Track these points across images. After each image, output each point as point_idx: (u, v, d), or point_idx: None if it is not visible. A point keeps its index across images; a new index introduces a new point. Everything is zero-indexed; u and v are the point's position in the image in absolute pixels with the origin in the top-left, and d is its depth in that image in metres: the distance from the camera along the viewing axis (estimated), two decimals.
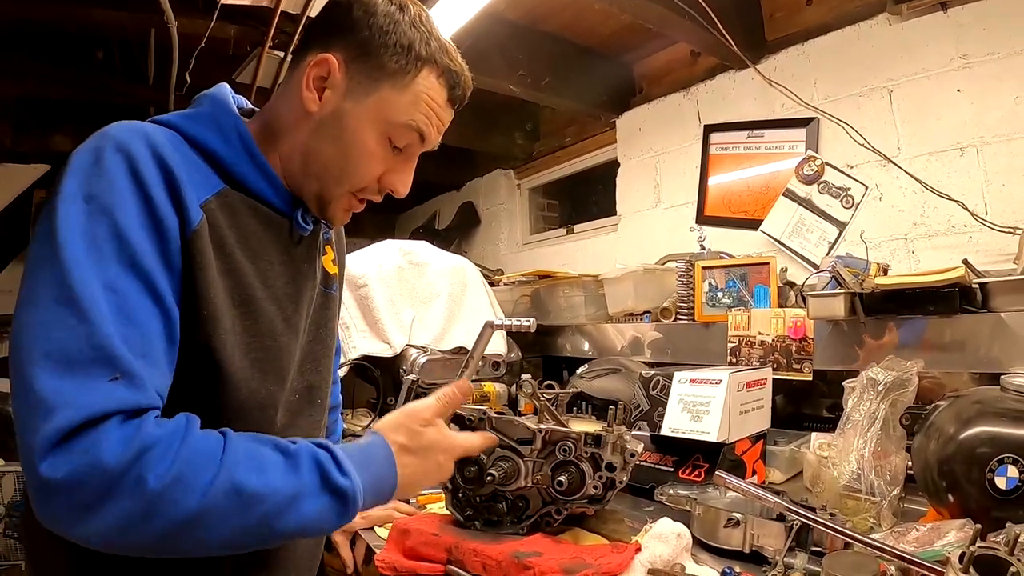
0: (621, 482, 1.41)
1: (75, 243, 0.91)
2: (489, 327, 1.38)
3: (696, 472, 1.93)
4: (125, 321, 0.91)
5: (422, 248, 3.13)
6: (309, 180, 1.22)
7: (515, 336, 3.27)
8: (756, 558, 1.47)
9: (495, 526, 1.48)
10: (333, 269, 1.44)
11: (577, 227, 4.55)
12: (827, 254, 2.77)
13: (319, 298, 1.36)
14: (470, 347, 1.40)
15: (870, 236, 2.62)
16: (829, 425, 2.15)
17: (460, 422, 1.51)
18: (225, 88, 1.24)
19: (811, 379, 2.25)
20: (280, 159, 1.22)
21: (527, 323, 1.36)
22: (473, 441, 1.30)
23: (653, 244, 3.56)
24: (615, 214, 4.01)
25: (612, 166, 4.04)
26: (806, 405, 2.53)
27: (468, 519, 1.51)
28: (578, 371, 2.78)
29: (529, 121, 4.75)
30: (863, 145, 2.72)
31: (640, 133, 3.83)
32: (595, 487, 1.39)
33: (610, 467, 1.39)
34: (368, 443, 1.12)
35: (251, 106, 1.32)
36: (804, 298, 2.20)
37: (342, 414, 2.95)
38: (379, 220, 6.45)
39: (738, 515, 1.49)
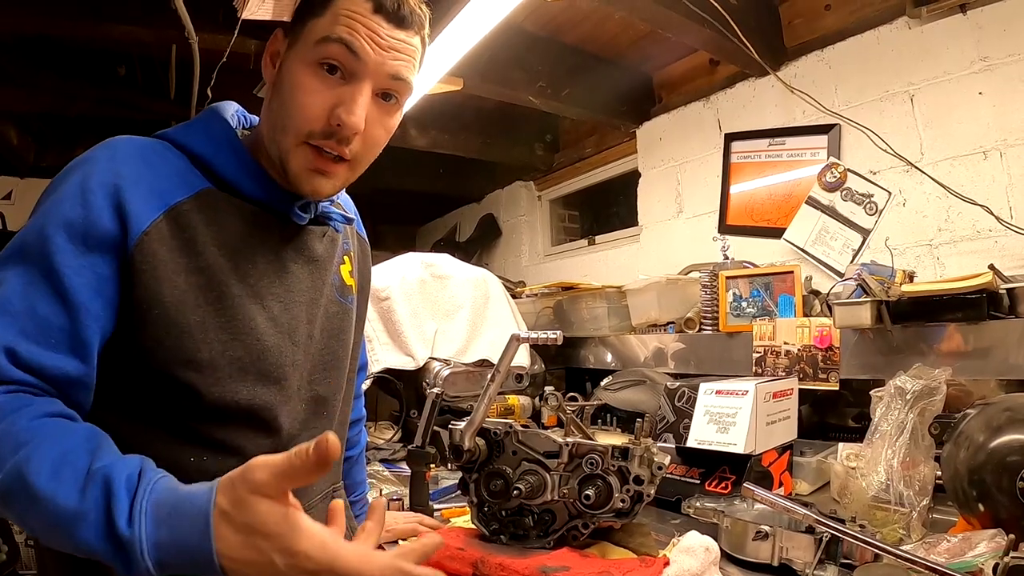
0: (649, 495, 1.40)
1: (15, 238, 1.02)
2: (515, 340, 1.38)
3: (723, 484, 1.92)
4: (22, 306, 0.97)
5: (444, 261, 3.14)
6: (272, 148, 1.19)
7: (538, 348, 3.26)
8: (785, 571, 1.45)
9: (521, 540, 1.48)
10: (351, 281, 1.43)
11: (599, 238, 4.54)
12: (851, 262, 2.76)
13: (333, 307, 1.35)
14: (493, 359, 1.40)
15: (895, 243, 2.59)
16: (856, 435, 2.13)
17: (486, 436, 1.50)
18: (228, 103, 1.27)
19: (838, 389, 2.23)
20: (263, 149, 1.23)
21: (553, 335, 1.36)
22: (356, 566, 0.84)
23: (675, 254, 3.54)
24: (637, 225, 4.00)
25: (633, 176, 4.04)
26: (833, 415, 2.50)
27: (494, 533, 1.51)
28: (602, 383, 2.78)
29: (549, 132, 4.75)
30: (885, 151, 2.70)
31: (660, 143, 3.83)
32: (622, 500, 1.38)
33: (637, 480, 1.38)
34: (192, 493, 0.85)
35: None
36: (830, 307, 2.19)
37: (366, 426, 2.97)
38: (400, 232, 6.48)
39: (766, 528, 1.47)
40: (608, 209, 4.67)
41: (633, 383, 2.63)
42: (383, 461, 2.60)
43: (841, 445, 2.05)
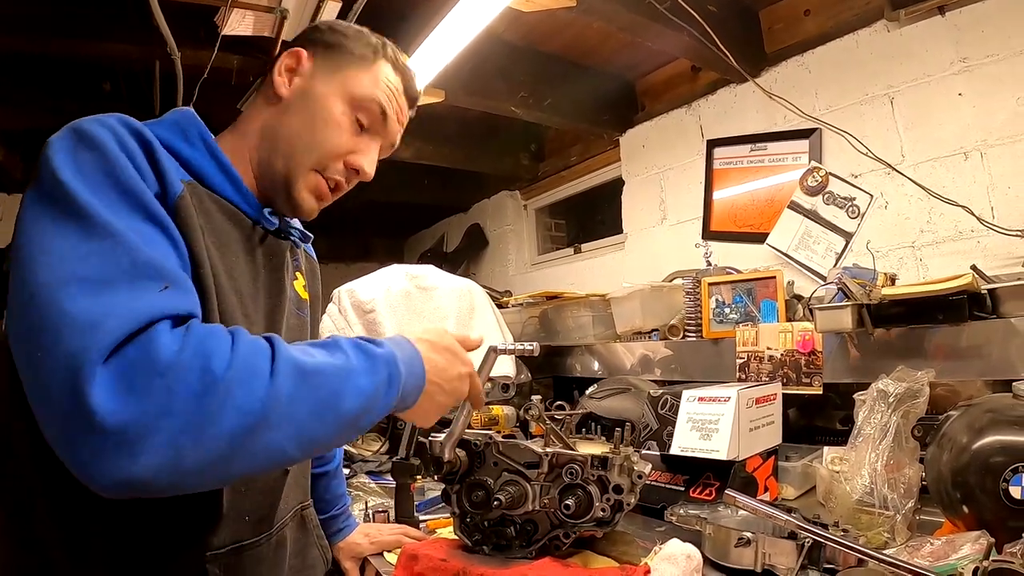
0: (629, 504, 1.39)
1: (87, 195, 0.89)
2: (493, 352, 1.37)
3: (707, 491, 1.90)
4: (156, 249, 0.92)
5: (429, 272, 3.13)
6: (276, 160, 1.25)
7: (524, 357, 3.18)
8: None
9: (504, 550, 1.46)
10: (305, 295, 1.46)
11: (584, 246, 4.55)
12: (834, 265, 2.77)
13: (292, 319, 1.37)
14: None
15: (877, 245, 2.61)
16: (842, 438, 2.11)
17: (467, 447, 1.49)
18: (190, 110, 1.25)
19: (821, 393, 2.22)
20: (248, 154, 1.27)
21: (530, 347, 1.36)
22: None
23: (660, 261, 3.54)
24: (622, 232, 4.01)
25: (617, 184, 4.06)
26: (819, 418, 2.49)
27: (476, 544, 1.49)
28: (587, 391, 2.77)
29: (534, 141, 4.76)
30: (866, 154, 2.72)
31: (643, 150, 3.85)
32: (603, 510, 1.37)
33: (617, 489, 1.37)
34: (389, 338, 1.12)
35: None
36: (812, 311, 2.18)
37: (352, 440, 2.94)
38: (388, 244, 6.49)
39: (748, 534, 1.46)
40: (594, 217, 4.68)
41: (618, 391, 2.62)
42: (369, 473, 2.58)
43: (826, 449, 2.07)
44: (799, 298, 2.56)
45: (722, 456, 1.87)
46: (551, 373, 3.44)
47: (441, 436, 1.42)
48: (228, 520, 1.15)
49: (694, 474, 1.97)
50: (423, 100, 2.95)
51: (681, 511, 1.67)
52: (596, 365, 3.17)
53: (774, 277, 2.54)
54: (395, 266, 3.11)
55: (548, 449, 1.44)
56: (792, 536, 1.43)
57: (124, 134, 0.99)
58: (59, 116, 3.37)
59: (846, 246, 2.81)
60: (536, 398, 1.53)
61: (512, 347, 1.38)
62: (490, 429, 2.34)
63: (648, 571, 1.34)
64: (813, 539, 1.38)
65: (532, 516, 1.44)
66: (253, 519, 1.22)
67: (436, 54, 2.49)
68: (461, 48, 2.49)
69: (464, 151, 4.48)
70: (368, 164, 1.32)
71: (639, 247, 3.88)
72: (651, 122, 3.79)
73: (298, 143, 1.25)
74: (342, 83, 1.27)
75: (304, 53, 1.29)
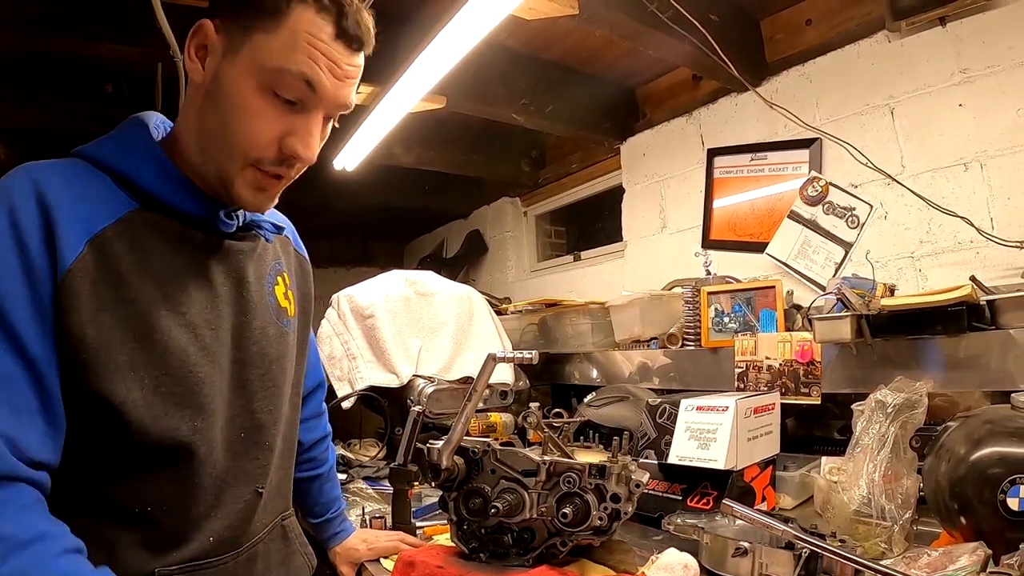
0: (626, 513, 1.39)
1: None
2: (492, 360, 1.38)
3: (704, 500, 1.90)
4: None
5: (428, 278, 3.14)
6: (207, 161, 1.14)
7: (523, 365, 3.17)
8: None
9: (501, 558, 1.47)
10: (286, 303, 1.37)
11: (584, 254, 4.53)
12: (833, 275, 2.75)
13: (271, 329, 1.31)
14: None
15: (876, 255, 2.59)
16: (840, 448, 2.10)
17: (465, 454, 1.49)
18: (151, 113, 1.22)
19: (820, 403, 2.22)
20: (186, 156, 1.16)
21: (529, 355, 1.36)
22: None
23: (660, 270, 3.52)
24: (621, 240, 3.99)
25: (618, 192, 4.03)
26: (818, 428, 2.48)
27: (473, 551, 1.49)
28: (585, 399, 2.77)
29: (535, 148, 4.73)
30: (866, 164, 2.70)
31: (644, 158, 3.83)
32: (600, 518, 1.37)
33: (615, 498, 1.37)
34: None
35: None
36: (810, 321, 2.18)
37: (351, 443, 2.96)
38: (388, 248, 6.49)
39: (746, 544, 1.46)
40: (594, 225, 4.66)
41: (616, 399, 2.61)
42: (367, 479, 2.59)
43: (824, 459, 2.04)
44: (798, 308, 2.55)
45: (720, 466, 1.86)
46: (549, 380, 3.45)
47: (439, 443, 1.42)
48: (193, 539, 1.14)
49: (692, 483, 1.97)
50: (424, 106, 2.98)
51: (678, 520, 1.67)
52: (594, 373, 3.17)
53: (773, 287, 2.54)
54: (395, 272, 3.12)
55: (546, 457, 1.44)
56: (789, 546, 1.42)
57: (23, 210, 0.98)
58: (61, 115, 3.38)
59: (845, 256, 2.79)
60: (534, 405, 1.54)
61: (511, 355, 1.38)
62: (488, 436, 2.34)
63: None
64: (810, 549, 1.37)
65: (529, 524, 1.44)
66: (220, 539, 1.19)
67: (438, 60, 2.49)
68: (463, 55, 2.49)
69: (465, 157, 4.45)
70: (304, 147, 1.12)
71: (639, 255, 3.86)
72: (652, 130, 3.77)
73: (220, 141, 1.11)
74: (251, 56, 1.06)
75: (209, 26, 1.10)
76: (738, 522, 1.61)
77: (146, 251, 1.08)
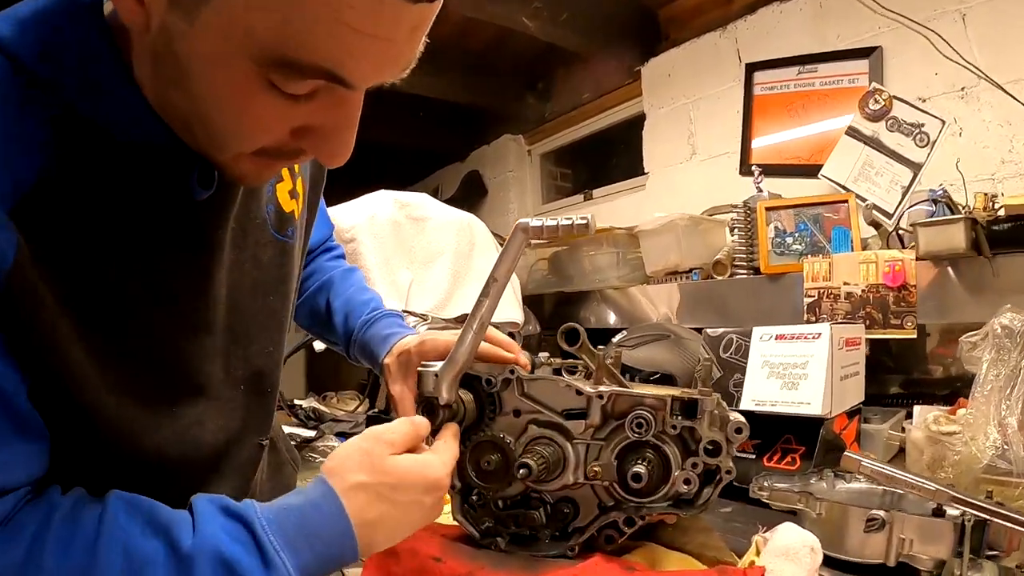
0: (729, 472, 0.91)
1: None
2: (521, 231, 0.88)
3: (789, 458, 1.49)
4: None
5: (423, 201, 2.79)
6: (183, 129, 0.75)
7: (533, 307, 2.97)
8: (901, 573, 1.07)
9: (527, 544, 0.99)
10: (291, 205, 0.99)
11: (597, 192, 4.28)
12: (900, 200, 2.42)
13: (268, 250, 0.95)
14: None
15: (951, 178, 2.29)
16: (916, 399, 1.88)
17: (475, 386, 1.01)
18: None
19: (915, 336, 1.88)
20: (143, 80, 0.73)
21: (581, 221, 0.85)
22: (445, 456, 0.88)
23: (689, 200, 3.18)
24: (641, 173, 3.75)
25: (634, 124, 3.81)
26: (896, 373, 2.20)
27: (487, 534, 1.00)
28: (614, 339, 2.34)
29: (541, 79, 4.47)
30: (936, 74, 2.46)
31: (669, 80, 3.55)
32: (687, 481, 0.89)
33: (713, 450, 0.90)
34: (309, 501, 0.77)
35: None
36: (901, 238, 1.91)
37: (327, 396, 2.58)
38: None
39: (882, 513, 1.06)
40: (606, 162, 4.40)
41: (654, 338, 2.16)
42: (340, 434, 2.30)
43: (918, 408, 1.71)
44: (877, 226, 2.21)
45: (815, 411, 1.46)
46: (559, 327, 3.06)
47: (436, 366, 0.94)
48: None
49: (769, 437, 1.54)
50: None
51: (770, 484, 1.21)
52: (613, 317, 2.84)
53: (846, 201, 2.22)
54: (382, 191, 2.74)
55: (602, 388, 0.95)
56: (939, 513, 1.04)
57: None
58: None
59: (914, 178, 2.44)
60: (543, 355, 1.08)
61: (552, 223, 0.88)
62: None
63: (763, 572, 0.88)
64: (976, 517, 0.99)
65: (572, 493, 0.98)
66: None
67: None
68: None
69: (464, 84, 4.21)
70: (330, 154, 0.74)
71: (662, 186, 3.59)
72: (678, 48, 3.48)
73: (196, 125, 0.72)
74: (229, 34, 0.61)
75: None
76: (840, 486, 1.21)
77: (98, 205, 0.73)
